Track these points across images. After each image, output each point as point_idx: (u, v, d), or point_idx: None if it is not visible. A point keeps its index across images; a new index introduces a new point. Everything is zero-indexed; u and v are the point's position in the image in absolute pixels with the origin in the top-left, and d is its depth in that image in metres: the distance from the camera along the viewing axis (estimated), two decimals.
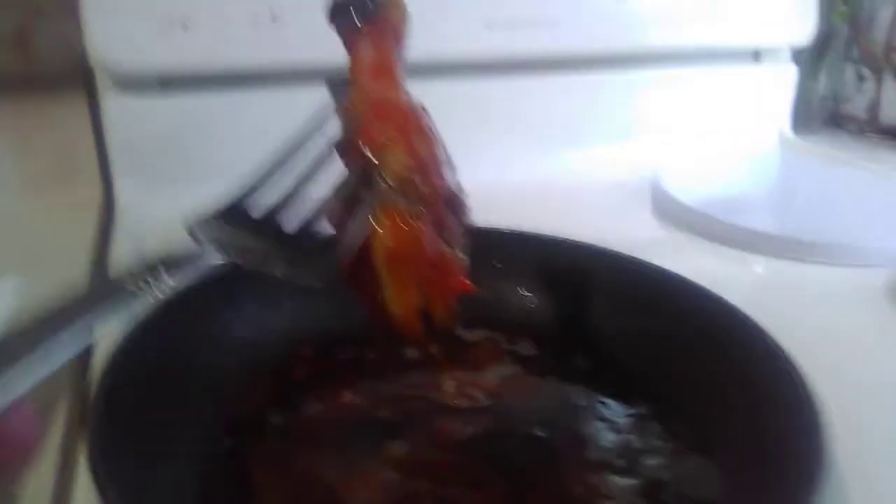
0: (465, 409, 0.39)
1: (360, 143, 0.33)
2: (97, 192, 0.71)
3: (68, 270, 0.58)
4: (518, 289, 0.46)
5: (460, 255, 0.34)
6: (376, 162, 0.32)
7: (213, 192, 0.63)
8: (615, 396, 0.39)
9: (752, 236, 0.61)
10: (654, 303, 0.42)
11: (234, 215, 0.33)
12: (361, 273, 0.33)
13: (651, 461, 0.35)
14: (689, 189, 0.69)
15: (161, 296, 0.28)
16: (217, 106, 0.67)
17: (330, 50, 0.65)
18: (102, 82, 0.65)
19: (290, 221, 0.34)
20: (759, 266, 0.59)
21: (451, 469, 0.35)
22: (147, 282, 0.28)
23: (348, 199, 0.33)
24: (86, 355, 0.45)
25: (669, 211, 0.67)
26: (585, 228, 0.63)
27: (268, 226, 0.33)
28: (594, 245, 0.46)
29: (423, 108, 0.35)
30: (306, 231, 0.33)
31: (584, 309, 0.44)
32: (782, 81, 0.82)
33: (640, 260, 0.44)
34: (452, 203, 0.35)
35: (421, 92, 0.39)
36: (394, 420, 0.38)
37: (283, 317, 0.43)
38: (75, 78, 0.70)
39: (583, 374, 0.41)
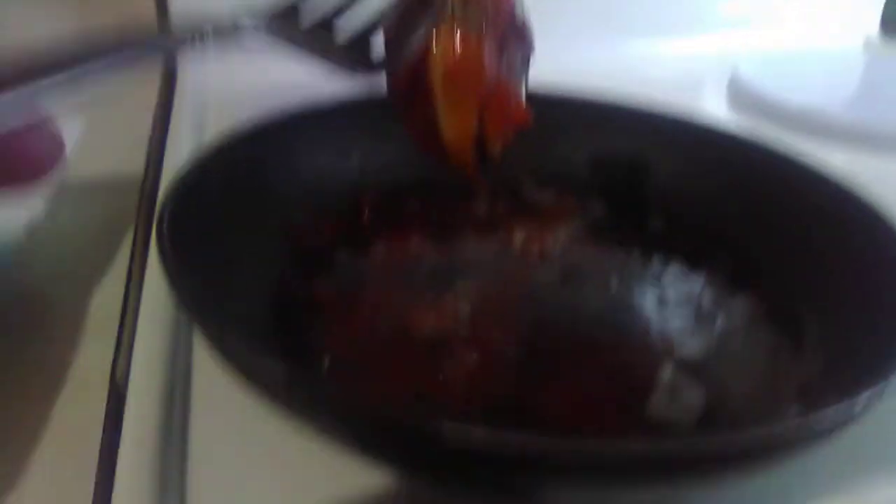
0: (535, 260, 0.38)
1: None
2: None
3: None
4: (588, 148, 0.44)
5: (521, 85, 0.33)
6: None
7: None
8: (692, 262, 0.38)
9: (829, 123, 0.59)
10: (731, 163, 0.40)
11: (286, 19, 0.30)
12: (415, 95, 0.31)
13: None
14: (767, 81, 0.66)
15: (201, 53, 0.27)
16: None
17: None
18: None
19: (343, 32, 0.32)
20: (838, 155, 0.57)
21: (520, 312, 0.34)
22: (193, 39, 0.26)
23: (407, 13, 0.31)
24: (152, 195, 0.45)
25: (746, 100, 0.65)
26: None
27: (319, 35, 0.31)
28: (667, 111, 0.44)
29: None
30: (359, 44, 0.31)
31: (656, 172, 0.43)
32: None
33: (715, 124, 0.42)
34: (516, 30, 0.33)
35: None
36: (461, 263, 0.37)
37: (351, 165, 0.42)
38: None
39: (658, 236, 0.40)
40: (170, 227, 0.28)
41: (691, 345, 0.33)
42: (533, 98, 0.40)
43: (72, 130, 0.45)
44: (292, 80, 0.41)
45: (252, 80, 0.54)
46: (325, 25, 0.32)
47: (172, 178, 0.32)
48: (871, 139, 0.57)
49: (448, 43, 0.30)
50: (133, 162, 0.51)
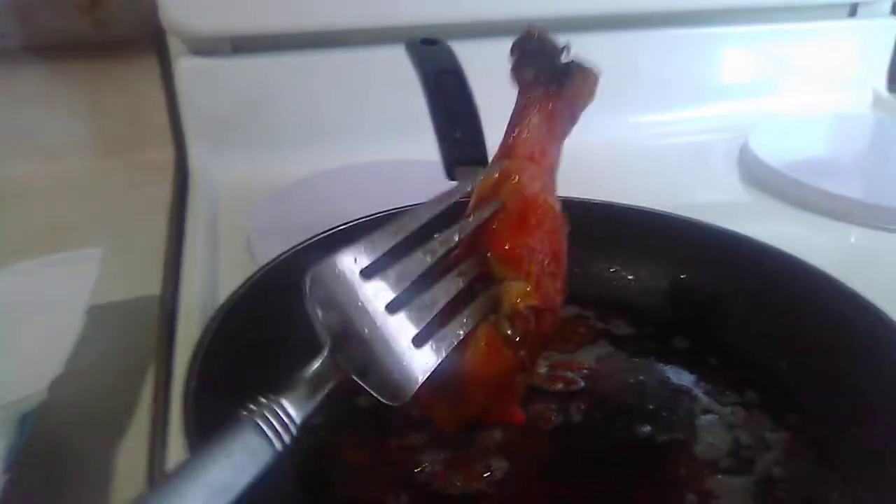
0: (560, 392, 0.37)
1: (491, 248, 0.30)
2: (169, 154, 0.71)
3: (146, 232, 0.58)
4: (610, 264, 0.44)
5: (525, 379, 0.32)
6: (499, 278, 0.30)
7: (285, 154, 0.64)
8: (718, 382, 0.37)
9: (842, 203, 0.58)
10: (761, 280, 0.40)
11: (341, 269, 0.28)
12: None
13: (762, 457, 0.33)
14: (778, 152, 0.65)
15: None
16: (290, 68, 0.65)
17: (407, 7, 0.63)
18: (175, 46, 0.64)
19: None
20: (851, 235, 0.57)
21: (549, 459, 0.33)
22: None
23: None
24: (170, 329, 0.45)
25: (758, 175, 0.64)
26: (672, 192, 0.62)
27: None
28: (690, 218, 0.43)
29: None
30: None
31: (681, 286, 0.42)
32: (880, 36, 0.77)
33: (742, 235, 0.42)
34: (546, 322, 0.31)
35: (499, 50, 0.37)
36: None
37: None
38: (146, 42, 0.69)
39: (683, 356, 0.39)
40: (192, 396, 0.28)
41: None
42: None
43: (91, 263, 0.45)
44: None
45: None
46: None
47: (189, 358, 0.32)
48: (884, 218, 0.56)
49: (482, 347, 0.29)
50: (150, 284, 0.51)
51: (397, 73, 0.66)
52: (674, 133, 0.71)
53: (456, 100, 0.49)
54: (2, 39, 0.68)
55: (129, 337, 0.45)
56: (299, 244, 0.40)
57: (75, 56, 0.69)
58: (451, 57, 0.52)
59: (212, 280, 0.50)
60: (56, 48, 0.69)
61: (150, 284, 0.51)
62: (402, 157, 0.63)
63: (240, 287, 0.37)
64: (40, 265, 0.44)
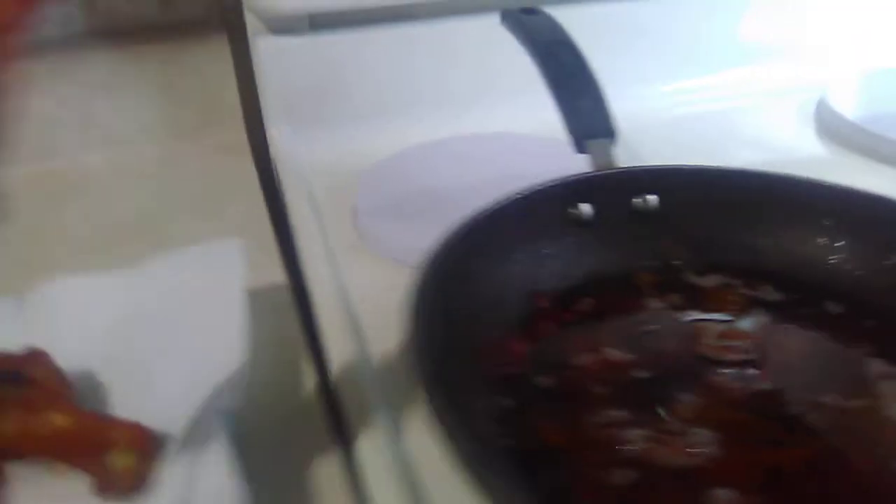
0: (735, 361, 0.38)
1: None
2: (242, 136, 0.71)
3: (235, 218, 0.58)
4: (750, 231, 0.44)
5: None
6: None
7: (369, 131, 0.63)
8: (884, 344, 0.38)
9: None
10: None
11: None
12: None
13: None
14: (856, 107, 0.66)
15: None
16: (368, 43, 0.64)
17: None
18: (253, 25, 0.63)
19: None
20: None
21: (748, 427, 0.34)
22: None
23: None
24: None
25: (835, 129, 0.65)
26: (750, 147, 0.63)
27: None
28: (825, 181, 0.44)
29: None
30: None
31: (825, 250, 0.43)
32: None
33: (885, 197, 0.42)
34: None
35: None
36: (662, 376, 0.37)
37: (517, 272, 0.42)
38: (215, 22, 0.68)
39: (840, 321, 0.40)
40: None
41: None
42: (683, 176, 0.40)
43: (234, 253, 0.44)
44: None
45: None
46: None
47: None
48: None
49: None
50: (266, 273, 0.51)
51: (477, 44, 0.66)
52: (751, 89, 0.71)
53: (573, 71, 0.49)
54: (66, 26, 0.67)
55: (271, 325, 0.45)
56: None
57: (142, 39, 0.68)
58: (557, 26, 0.51)
59: (332, 261, 0.50)
60: (122, 33, 0.68)
61: (266, 273, 0.51)
62: (492, 130, 0.63)
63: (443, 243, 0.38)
64: (179, 258, 0.43)
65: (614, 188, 0.44)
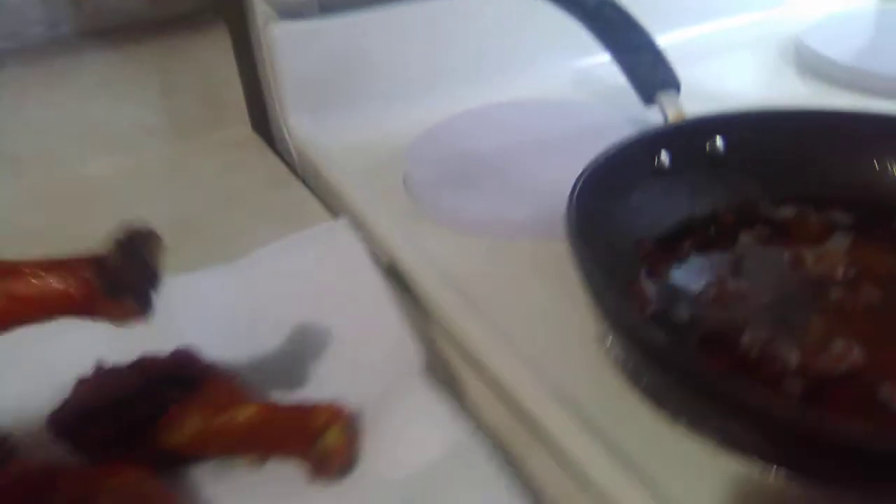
0: (843, 280, 0.41)
1: None
2: (247, 130, 0.69)
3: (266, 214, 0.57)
4: (811, 161, 0.48)
5: None
6: None
7: (379, 114, 0.64)
8: None
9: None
10: None
11: None
12: None
13: None
14: (833, 44, 0.71)
15: None
16: (379, 23, 0.64)
17: None
18: (261, 12, 0.62)
19: None
20: None
21: (882, 331, 0.38)
22: None
23: None
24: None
25: (816, 68, 0.70)
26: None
27: None
28: (868, 112, 0.48)
29: None
30: None
31: (882, 171, 0.47)
32: None
33: None
34: None
35: None
36: (782, 299, 0.40)
37: (617, 225, 0.44)
38: (209, 13, 0.66)
39: None
40: None
41: None
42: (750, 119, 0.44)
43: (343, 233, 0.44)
44: None
45: None
46: None
47: None
48: None
49: None
50: None
51: (486, 17, 0.67)
52: (733, 38, 0.75)
53: (622, 27, 0.51)
54: (55, 27, 0.63)
55: None
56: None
57: (135, 37, 0.65)
58: None
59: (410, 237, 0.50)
60: (114, 31, 0.65)
61: None
62: (515, 98, 0.64)
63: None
64: (295, 244, 0.43)
65: (691, 135, 0.47)
